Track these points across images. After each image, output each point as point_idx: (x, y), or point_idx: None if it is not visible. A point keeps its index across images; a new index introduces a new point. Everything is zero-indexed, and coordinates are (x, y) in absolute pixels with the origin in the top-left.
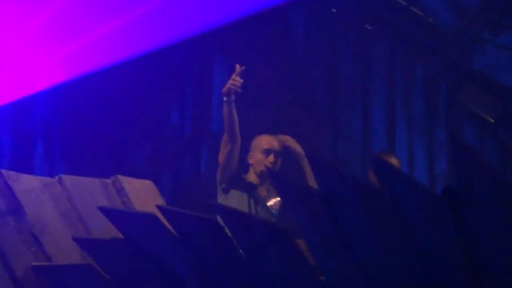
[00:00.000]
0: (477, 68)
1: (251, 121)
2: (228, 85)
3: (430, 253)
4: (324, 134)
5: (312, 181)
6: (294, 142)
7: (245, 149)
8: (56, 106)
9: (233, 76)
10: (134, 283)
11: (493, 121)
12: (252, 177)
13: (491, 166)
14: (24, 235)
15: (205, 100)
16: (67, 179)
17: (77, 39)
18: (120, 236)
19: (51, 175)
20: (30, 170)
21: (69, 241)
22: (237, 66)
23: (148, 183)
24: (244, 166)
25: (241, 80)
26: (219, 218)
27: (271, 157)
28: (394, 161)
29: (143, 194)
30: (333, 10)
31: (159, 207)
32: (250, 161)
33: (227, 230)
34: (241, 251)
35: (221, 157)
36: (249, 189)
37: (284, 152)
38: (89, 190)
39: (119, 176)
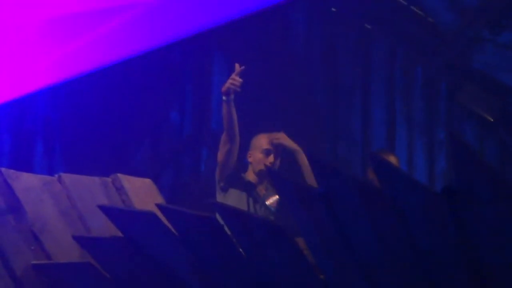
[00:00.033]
0: (477, 68)
1: (250, 120)
2: (227, 84)
3: (429, 252)
4: (324, 134)
5: (309, 176)
6: (287, 138)
7: (245, 148)
8: (56, 104)
9: (233, 76)
10: (133, 281)
11: (493, 120)
12: (251, 176)
13: (490, 165)
14: (23, 233)
15: (204, 99)
16: (67, 177)
17: (77, 38)
18: (120, 234)
19: (51, 173)
20: (29, 169)
21: (69, 240)
22: (237, 65)
23: (147, 181)
24: (243, 165)
25: (241, 80)
26: (218, 217)
27: (271, 158)
28: (393, 159)
29: (142, 193)
30: (333, 9)
31: (158, 206)
32: (250, 159)
33: (226, 229)
34: (240, 249)
35: (220, 156)
36: (248, 187)
37: (278, 150)
38: (89, 189)
39: (119, 175)
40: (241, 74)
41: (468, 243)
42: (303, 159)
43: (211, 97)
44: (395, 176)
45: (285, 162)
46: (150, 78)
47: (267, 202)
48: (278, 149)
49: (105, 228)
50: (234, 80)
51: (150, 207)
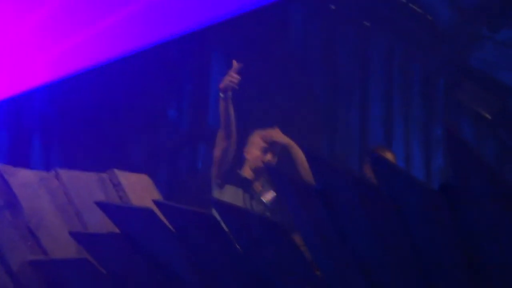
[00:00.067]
0: (475, 65)
1: (248, 117)
2: (225, 81)
3: (427, 249)
4: (322, 130)
5: (303, 170)
6: (280, 134)
7: (242, 144)
8: (53, 101)
9: (230, 73)
10: (130, 277)
11: (490, 117)
12: (247, 172)
13: (488, 162)
14: (20, 229)
15: (202, 96)
16: (64, 173)
17: (74, 35)
18: (117, 230)
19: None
20: (26, 165)
21: (66, 236)
22: (234, 62)
23: (144, 177)
24: (239, 161)
25: (238, 77)
26: (214, 213)
27: (269, 156)
28: (389, 155)
29: (139, 189)
30: (332, 6)
31: (155, 202)
32: (247, 155)
33: (223, 225)
34: (237, 245)
35: (216, 153)
36: (244, 184)
37: (272, 146)
38: (86, 185)
39: (116, 171)
40: (239, 71)
41: (466, 239)
42: (296, 154)
43: (209, 94)
44: (392, 173)
45: (280, 158)
46: (148, 75)
47: (263, 198)
48: (272, 146)
49: (102, 224)
50: (232, 77)
51: (147, 203)
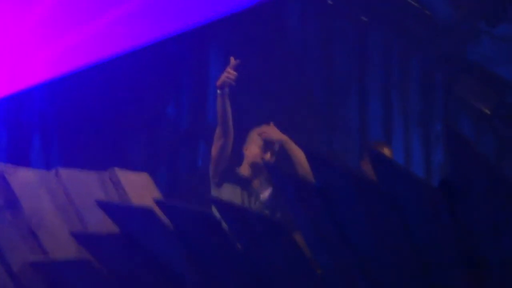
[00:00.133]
0: (474, 60)
1: (247, 114)
2: (222, 78)
3: (426, 246)
4: (320, 126)
5: (299, 165)
6: (274, 130)
7: (241, 142)
8: (53, 99)
9: (227, 69)
10: (130, 277)
11: (489, 113)
12: (245, 169)
13: (487, 158)
14: (20, 229)
15: (201, 93)
16: (64, 172)
17: (73, 33)
18: (117, 230)
19: (47, 168)
20: (26, 163)
21: (66, 235)
22: (232, 59)
23: (144, 176)
24: (238, 159)
25: (235, 73)
26: (214, 211)
27: (268, 154)
28: (386, 151)
29: (139, 187)
30: (329, 1)
31: (155, 201)
32: (246, 152)
33: (223, 223)
34: (237, 244)
35: (214, 151)
36: (242, 181)
37: (268, 143)
38: (86, 184)
39: (116, 169)
40: (236, 68)
41: (465, 236)
42: (292, 150)
43: (207, 92)
44: (392, 170)
45: (278, 155)
46: (146, 72)
47: (262, 196)
48: (269, 143)
49: (102, 223)
50: (229, 73)
51: (147, 201)
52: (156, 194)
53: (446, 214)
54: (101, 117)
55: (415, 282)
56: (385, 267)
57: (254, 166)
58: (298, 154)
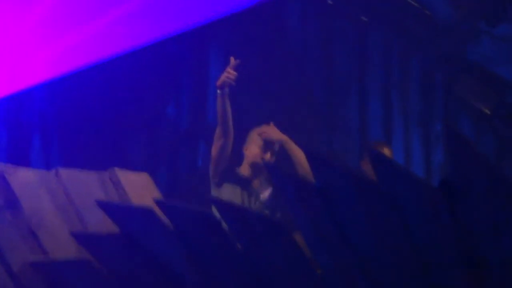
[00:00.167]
0: (474, 60)
1: (247, 114)
2: (222, 78)
3: (426, 246)
4: (320, 126)
5: (299, 165)
6: (274, 130)
7: (241, 142)
8: (53, 99)
9: (227, 69)
10: (130, 277)
11: (489, 112)
12: (245, 169)
13: (487, 158)
14: (20, 229)
15: (201, 93)
16: (64, 172)
17: (73, 33)
18: (117, 229)
19: (47, 168)
20: (26, 163)
21: (66, 235)
22: (232, 59)
23: (144, 176)
24: (238, 159)
25: (235, 73)
26: (214, 211)
27: (268, 154)
28: (386, 151)
29: (139, 187)
30: (329, 2)
31: (155, 201)
32: (246, 152)
33: (223, 223)
34: (237, 244)
35: (214, 151)
36: (242, 181)
37: (270, 144)
38: (86, 184)
39: (116, 169)
40: (236, 68)
41: (465, 236)
42: (292, 150)
43: (208, 92)
44: (392, 170)
45: (278, 155)
46: (146, 72)
47: (262, 196)
48: (269, 143)
49: (102, 223)
50: (229, 73)
51: (147, 201)
52: (156, 194)
53: (446, 214)
54: (101, 117)
55: (415, 282)
56: (385, 267)
57: (254, 166)
58: (298, 154)
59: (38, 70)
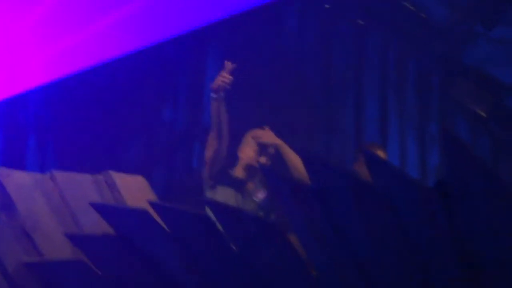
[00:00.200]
0: (470, 62)
1: (243, 116)
2: (217, 81)
3: (422, 247)
4: (317, 129)
5: (294, 170)
6: (269, 134)
7: (236, 144)
8: (48, 102)
9: (222, 73)
10: (125, 279)
11: (485, 115)
12: (239, 172)
13: (483, 159)
14: (15, 231)
15: (198, 95)
16: (59, 175)
17: (70, 36)
18: (112, 232)
19: (42, 171)
20: (21, 166)
21: (61, 237)
22: (227, 63)
23: (139, 178)
24: (233, 162)
25: (230, 77)
26: (209, 213)
27: (263, 158)
28: (380, 153)
29: (134, 190)
30: (326, 6)
31: (150, 203)
32: (240, 154)
33: (218, 225)
34: (232, 246)
35: (208, 154)
36: (236, 184)
37: (265, 147)
38: (81, 186)
39: (111, 172)
40: (234, 70)
41: (461, 237)
42: (287, 153)
43: (204, 94)
44: (387, 172)
45: (274, 158)
46: (143, 75)
47: (256, 198)
48: (264, 146)
49: (97, 225)
50: (224, 77)
51: (142, 204)
52: (152, 196)
53: (442, 215)
54: (97, 119)
55: (411, 282)
56: (381, 268)
57: (248, 168)
58: (293, 159)
59: (34, 72)
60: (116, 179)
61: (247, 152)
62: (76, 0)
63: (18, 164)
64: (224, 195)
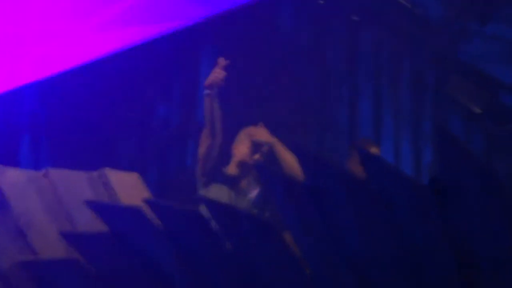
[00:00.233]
0: (465, 59)
1: (237, 113)
2: (210, 78)
3: (417, 245)
4: (311, 126)
5: (287, 167)
6: (263, 131)
7: (230, 142)
8: (42, 99)
9: (216, 69)
10: (120, 277)
11: (480, 112)
12: (232, 169)
13: (477, 157)
14: (9, 229)
15: (192, 93)
16: (53, 172)
17: (63, 32)
18: (106, 229)
19: (37, 168)
20: (15, 164)
21: (55, 235)
22: (220, 59)
23: (134, 176)
24: (226, 159)
25: (224, 73)
26: (203, 210)
27: (257, 155)
28: (374, 149)
29: (129, 187)
30: (320, 1)
31: (145, 200)
32: (234, 151)
33: (212, 223)
34: (227, 243)
35: (201, 151)
36: (230, 181)
37: (256, 145)
38: (75, 184)
39: (105, 169)
40: (228, 67)
41: (456, 235)
42: (280, 151)
43: (198, 91)
44: (381, 169)
45: (268, 157)
46: (137, 72)
47: (250, 196)
48: (256, 144)
49: (91, 223)
50: (217, 73)
51: (137, 201)
52: (146, 193)
53: (436, 213)
54: (91, 116)
55: (405, 280)
56: (375, 266)
57: (242, 165)
58: (287, 157)
59: (27, 69)
60: (111, 176)
61: (241, 149)
62: None
63: (12, 161)
64: (217, 192)
